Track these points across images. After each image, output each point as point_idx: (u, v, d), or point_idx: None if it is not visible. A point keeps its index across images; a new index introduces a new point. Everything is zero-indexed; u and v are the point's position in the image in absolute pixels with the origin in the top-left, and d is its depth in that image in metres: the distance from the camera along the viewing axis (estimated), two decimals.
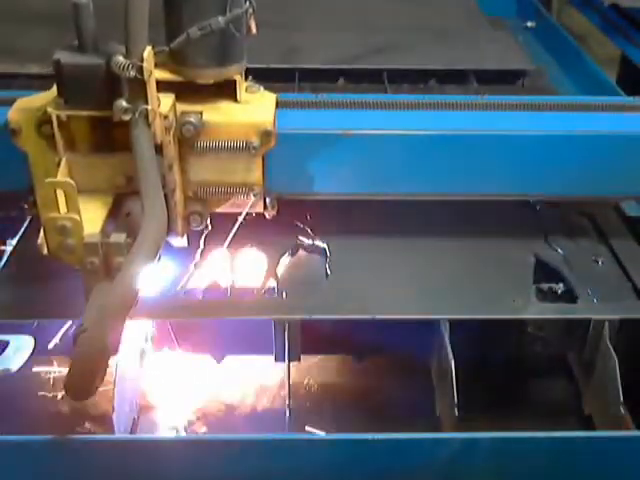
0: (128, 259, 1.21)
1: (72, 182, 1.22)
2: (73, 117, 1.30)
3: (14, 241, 1.74)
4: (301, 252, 1.75)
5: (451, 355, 1.48)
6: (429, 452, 1.41)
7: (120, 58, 1.22)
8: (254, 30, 1.38)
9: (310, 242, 1.76)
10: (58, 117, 1.30)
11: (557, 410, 1.70)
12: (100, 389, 1.20)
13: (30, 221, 1.80)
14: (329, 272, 1.67)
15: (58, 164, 1.33)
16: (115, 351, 1.22)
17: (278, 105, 1.49)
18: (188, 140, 1.40)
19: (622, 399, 1.46)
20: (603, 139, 1.57)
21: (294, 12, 2.56)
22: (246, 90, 1.47)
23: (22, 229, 1.77)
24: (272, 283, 1.64)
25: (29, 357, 1.53)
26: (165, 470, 1.40)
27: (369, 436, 1.38)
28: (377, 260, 1.72)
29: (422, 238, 1.80)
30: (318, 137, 1.53)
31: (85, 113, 1.29)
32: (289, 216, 1.77)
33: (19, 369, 1.51)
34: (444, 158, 1.57)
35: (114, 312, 1.21)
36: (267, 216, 1.58)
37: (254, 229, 1.61)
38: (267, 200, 1.55)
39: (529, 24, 2.82)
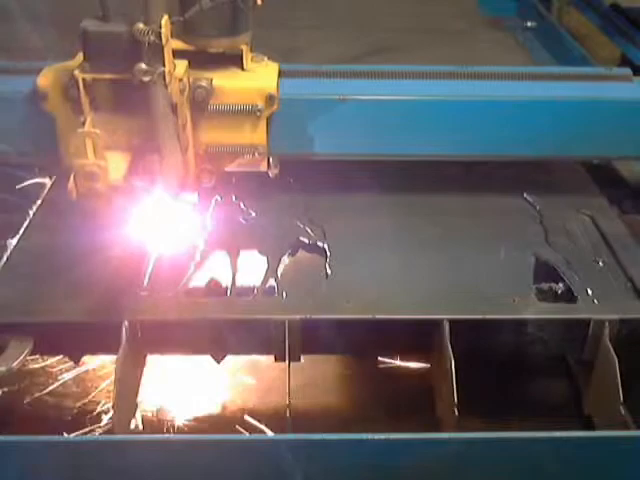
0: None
1: (99, 132, 1.39)
2: (97, 80, 1.46)
3: (14, 241, 1.74)
4: (301, 252, 1.75)
5: (451, 355, 1.48)
6: (429, 452, 1.41)
7: (141, 25, 1.37)
8: (259, 1, 1.53)
9: (310, 242, 1.76)
10: (84, 80, 1.46)
11: (557, 410, 1.70)
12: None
13: (30, 222, 1.81)
14: (329, 272, 1.67)
15: (83, 124, 1.47)
16: None
17: (281, 75, 1.66)
18: (200, 103, 1.57)
19: (622, 399, 1.46)
20: (576, 104, 1.76)
21: (294, 12, 2.56)
22: (251, 60, 1.65)
23: (22, 229, 1.77)
24: (272, 283, 1.64)
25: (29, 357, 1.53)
26: (165, 470, 1.40)
27: (369, 436, 1.37)
28: (377, 260, 1.72)
29: (422, 238, 1.80)
30: (317, 102, 1.71)
31: (108, 76, 1.45)
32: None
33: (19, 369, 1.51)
34: (433, 121, 1.73)
35: None
36: (270, 175, 1.73)
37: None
38: (270, 160, 1.71)
39: (529, 24, 2.83)
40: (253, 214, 1.86)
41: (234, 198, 1.89)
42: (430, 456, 1.41)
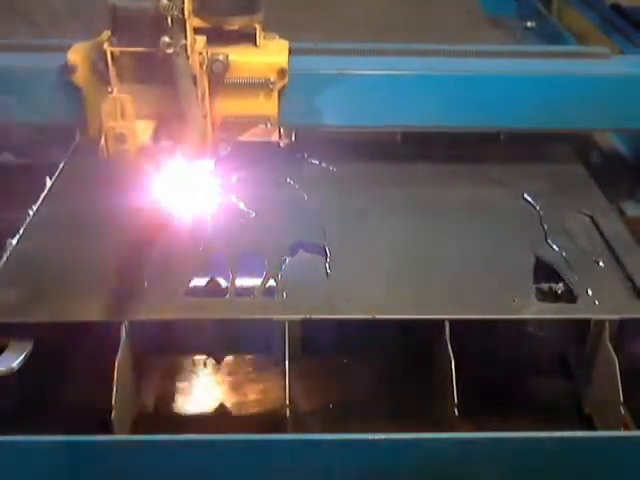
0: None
1: (129, 97, 1.49)
2: (124, 52, 1.57)
3: (14, 241, 1.74)
4: (301, 252, 1.75)
5: (451, 355, 1.48)
6: (429, 452, 1.41)
7: (165, 1, 1.48)
8: None
9: (310, 242, 1.76)
10: (112, 53, 1.57)
11: (557, 410, 1.70)
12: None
13: (29, 222, 1.80)
14: (329, 272, 1.67)
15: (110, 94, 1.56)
16: None
17: (290, 52, 1.78)
18: (217, 76, 1.69)
19: (622, 399, 1.46)
20: (555, 79, 1.91)
21: (293, 14, 2.57)
22: (264, 37, 1.78)
23: (22, 229, 1.77)
24: (272, 283, 1.64)
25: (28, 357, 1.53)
26: (165, 470, 1.40)
27: (369, 436, 1.37)
28: (377, 260, 1.72)
29: (422, 239, 1.80)
30: (320, 77, 1.87)
31: (134, 49, 1.56)
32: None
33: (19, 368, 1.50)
34: (426, 94, 1.90)
35: None
36: (281, 144, 1.88)
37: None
38: (281, 130, 1.84)
39: (529, 24, 2.83)
40: (253, 214, 1.86)
41: (234, 198, 1.90)
42: (430, 456, 1.41)
